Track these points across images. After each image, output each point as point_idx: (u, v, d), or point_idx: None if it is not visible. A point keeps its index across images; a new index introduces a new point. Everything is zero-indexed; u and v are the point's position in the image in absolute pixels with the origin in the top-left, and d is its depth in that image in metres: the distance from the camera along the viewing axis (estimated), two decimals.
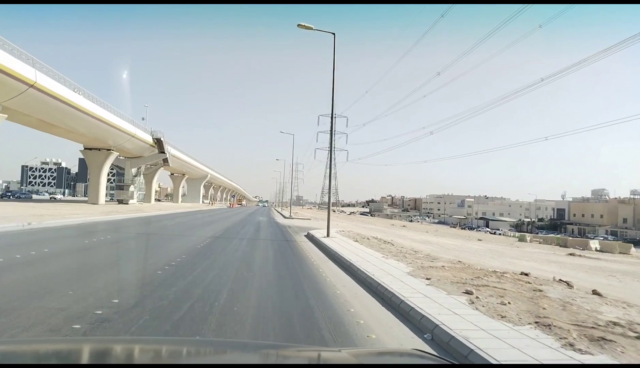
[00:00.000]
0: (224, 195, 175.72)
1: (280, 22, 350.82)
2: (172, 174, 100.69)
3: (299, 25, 20.38)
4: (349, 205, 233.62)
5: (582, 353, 4.27)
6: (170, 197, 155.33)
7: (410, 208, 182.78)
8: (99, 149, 57.30)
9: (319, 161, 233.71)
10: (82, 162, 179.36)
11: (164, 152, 68.24)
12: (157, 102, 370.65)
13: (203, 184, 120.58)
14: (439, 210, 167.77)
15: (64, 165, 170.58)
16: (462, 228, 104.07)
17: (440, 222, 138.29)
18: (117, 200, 68.16)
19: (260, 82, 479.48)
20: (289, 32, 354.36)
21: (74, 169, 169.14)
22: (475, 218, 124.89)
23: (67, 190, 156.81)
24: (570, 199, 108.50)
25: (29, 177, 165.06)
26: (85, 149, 57.61)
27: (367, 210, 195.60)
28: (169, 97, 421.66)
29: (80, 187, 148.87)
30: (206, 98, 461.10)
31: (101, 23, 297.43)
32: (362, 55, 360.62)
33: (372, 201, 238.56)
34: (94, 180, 57.99)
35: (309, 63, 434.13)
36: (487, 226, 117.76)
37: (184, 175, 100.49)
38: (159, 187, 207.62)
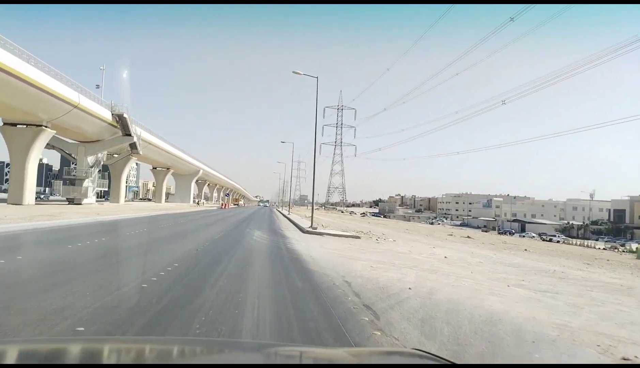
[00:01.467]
0: (221, 195, 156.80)
1: (282, 21, 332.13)
2: (155, 168, 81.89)
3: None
4: (353, 205, 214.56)
5: None
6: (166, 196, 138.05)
7: (425, 209, 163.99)
8: (26, 125, 38.51)
9: (324, 157, 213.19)
10: (63, 158, 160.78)
11: (129, 135, 49.34)
12: (157, 103, 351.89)
13: (194, 181, 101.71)
14: (457, 210, 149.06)
15: (45, 161, 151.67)
16: (500, 233, 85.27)
17: (463, 224, 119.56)
18: (67, 199, 49.32)
19: (261, 81, 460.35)
20: (291, 31, 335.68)
21: (57, 166, 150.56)
22: (508, 221, 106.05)
23: (47, 189, 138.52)
24: (627, 197, 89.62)
25: (5, 175, 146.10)
26: (4, 124, 38.84)
27: (377, 210, 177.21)
28: (169, 97, 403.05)
29: (58, 184, 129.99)
30: (207, 99, 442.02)
31: (102, 23, 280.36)
32: (373, 46, 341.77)
33: (381, 201, 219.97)
34: (16, 170, 39.01)
35: (311, 60, 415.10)
36: (524, 230, 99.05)
37: (168, 169, 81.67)
38: (152, 185, 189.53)
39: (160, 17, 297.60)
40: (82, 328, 4.26)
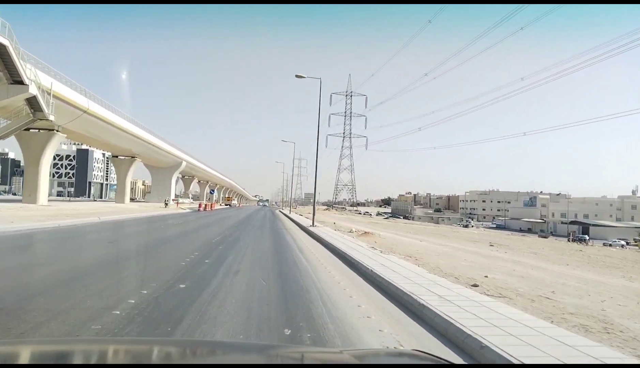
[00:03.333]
0: (206, 191, 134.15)
1: (282, 21, 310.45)
2: (116, 157, 59.45)
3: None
4: (358, 204, 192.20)
5: None
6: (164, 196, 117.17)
7: (444, 208, 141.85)
8: None
9: (331, 149, 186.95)
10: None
11: (21, 82, 27.14)
12: (155, 103, 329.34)
13: (175, 175, 79.27)
14: (484, 210, 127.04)
15: (12, 156, 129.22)
16: (573, 241, 63.10)
17: (499, 227, 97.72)
18: None
19: (261, 79, 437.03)
20: (291, 31, 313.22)
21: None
22: (563, 223, 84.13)
23: (7, 186, 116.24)
24: None
25: None
26: None
27: (389, 210, 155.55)
28: (168, 98, 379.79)
29: (18, 181, 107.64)
30: (207, 99, 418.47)
31: (103, 24, 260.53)
32: (383, 27, 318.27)
33: (390, 199, 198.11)
34: None
35: (313, 59, 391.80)
36: (586, 233, 77.19)
37: (133, 158, 59.17)
38: (143, 184, 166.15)
39: (159, 17, 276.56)
40: None
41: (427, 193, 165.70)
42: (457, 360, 3.98)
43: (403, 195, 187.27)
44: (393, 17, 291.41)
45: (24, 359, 1.60)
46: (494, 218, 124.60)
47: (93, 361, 1.66)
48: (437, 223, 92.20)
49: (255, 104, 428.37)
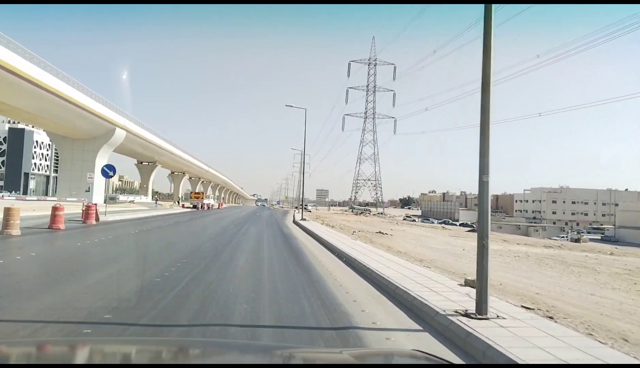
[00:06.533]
0: (197, 188, 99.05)
1: (280, 21, 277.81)
2: None
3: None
4: (367, 204, 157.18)
5: None
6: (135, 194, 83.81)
7: (493, 210, 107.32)
8: None
9: (349, 132, 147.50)
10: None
11: None
12: (155, 102, 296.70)
13: (105, 151, 44.20)
14: (554, 213, 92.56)
15: None
16: None
17: (606, 239, 63.86)
18: None
19: (261, 79, 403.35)
20: (289, 31, 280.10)
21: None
22: None
23: None
24: None
25: None
26: None
27: (416, 213, 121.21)
28: (165, 97, 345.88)
29: None
30: (206, 98, 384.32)
31: (103, 24, 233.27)
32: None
33: (411, 199, 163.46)
34: None
35: (311, 60, 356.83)
36: None
37: None
38: (121, 180, 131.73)
39: (155, 14, 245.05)
40: None
41: (461, 192, 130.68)
42: None
43: (426, 194, 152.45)
44: None
45: (23, 359, 1.55)
46: (566, 223, 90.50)
47: (93, 361, 1.63)
48: (527, 235, 57.62)
49: (255, 103, 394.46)
